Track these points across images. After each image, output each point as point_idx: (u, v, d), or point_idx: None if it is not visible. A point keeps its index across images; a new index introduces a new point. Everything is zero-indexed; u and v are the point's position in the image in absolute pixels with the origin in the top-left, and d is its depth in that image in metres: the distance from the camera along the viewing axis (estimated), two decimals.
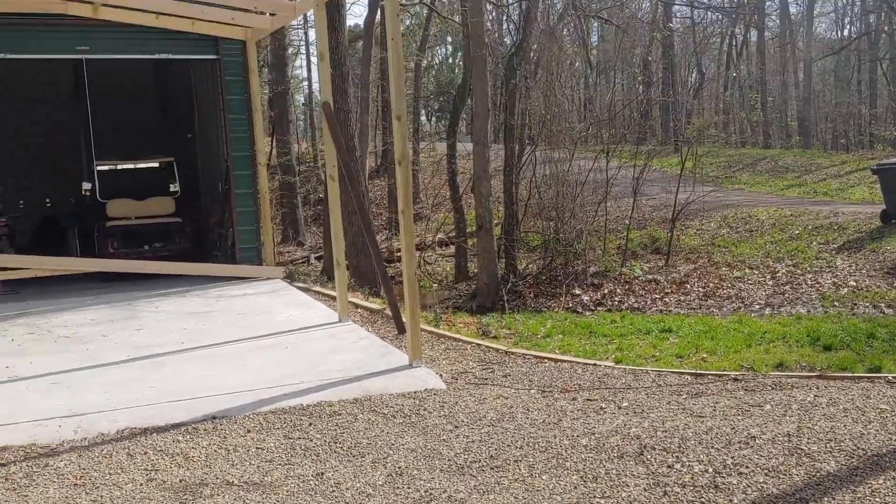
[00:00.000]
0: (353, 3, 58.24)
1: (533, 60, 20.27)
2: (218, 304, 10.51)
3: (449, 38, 45.56)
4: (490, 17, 28.59)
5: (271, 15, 10.81)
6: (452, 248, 20.85)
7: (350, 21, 39.30)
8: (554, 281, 16.18)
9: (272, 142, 24.78)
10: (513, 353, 8.42)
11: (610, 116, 21.92)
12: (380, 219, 25.37)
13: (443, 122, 41.09)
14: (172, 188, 14.31)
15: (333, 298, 9.96)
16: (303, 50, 38.64)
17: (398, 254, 15.44)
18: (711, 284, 15.45)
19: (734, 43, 42.69)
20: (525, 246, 18.62)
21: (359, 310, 10.10)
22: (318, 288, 11.45)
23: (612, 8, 25.91)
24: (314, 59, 30.44)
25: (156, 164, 14.82)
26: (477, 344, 8.84)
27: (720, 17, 37.98)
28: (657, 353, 10.17)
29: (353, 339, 8.40)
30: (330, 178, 9.29)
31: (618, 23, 25.98)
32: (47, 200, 15.29)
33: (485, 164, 16.34)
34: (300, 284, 11.67)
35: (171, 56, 12.38)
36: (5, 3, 10.50)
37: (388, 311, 9.30)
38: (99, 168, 13.67)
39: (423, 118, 46.10)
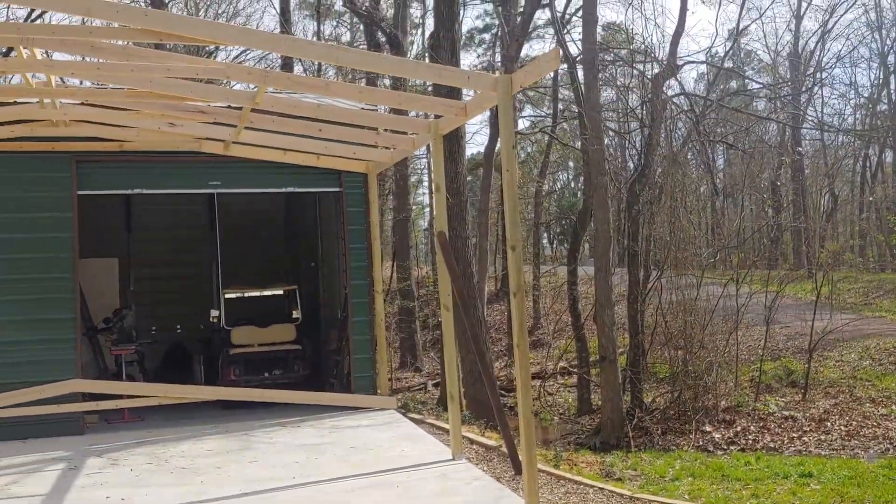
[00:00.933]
0: (475, 133, 59.88)
1: (657, 185, 19.97)
2: (331, 436, 10.36)
3: (571, 163, 45.91)
4: (612, 143, 28.62)
5: (392, 148, 11.02)
6: (575, 378, 20.21)
7: (473, 149, 40.19)
8: (683, 416, 15.32)
9: (393, 266, 25.15)
10: (638, 500, 7.87)
11: (739, 242, 21.16)
12: (499, 344, 25.04)
13: (564, 245, 40.87)
14: (294, 315, 14.53)
15: (447, 432, 9.64)
16: (426, 177, 39.69)
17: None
18: (855, 422, 14.28)
19: (868, 164, 41.19)
20: (652, 377, 17.83)
21: (473, 446, 9.75)
22: (432, 420, 11.17)
23: (737, 133, 25.44)
24: None
25: (280, 292, 15.15)
26: (599, 488, 8.36)
27: (852, 139, 36.79)
28: (797, 502, 9.33)
29: (466, 480, 8.02)
30: (444, 307, 9.11)
31: (744, 147, 25.46)
32: (178, 327, 15.76)
33: (607, 292, 15.94)
34: (414, 416, 11.42)
35: (296, 189, 12.81)
36: (145, 142, 11.14)
37: (505, 448, 8.90)
38: (227, 296, 14.07)
39: (545, 241, 46.14)
